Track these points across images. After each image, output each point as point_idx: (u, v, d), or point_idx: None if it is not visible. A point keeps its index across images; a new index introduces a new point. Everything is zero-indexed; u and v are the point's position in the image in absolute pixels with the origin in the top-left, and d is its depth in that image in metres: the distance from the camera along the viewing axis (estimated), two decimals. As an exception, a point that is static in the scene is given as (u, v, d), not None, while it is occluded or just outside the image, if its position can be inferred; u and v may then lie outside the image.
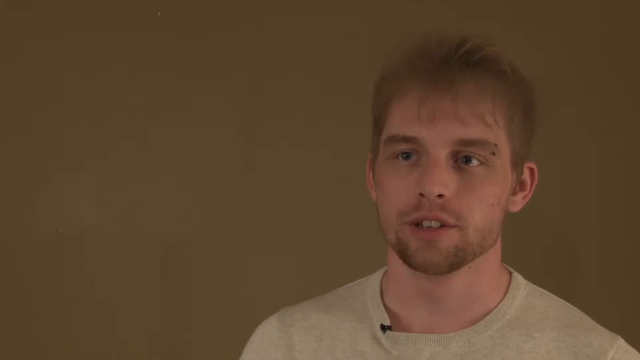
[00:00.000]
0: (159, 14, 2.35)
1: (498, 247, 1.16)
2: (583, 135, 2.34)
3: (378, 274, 1.24)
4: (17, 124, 2.34)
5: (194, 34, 2.35)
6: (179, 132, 2.35)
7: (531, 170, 1.18)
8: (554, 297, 1.20)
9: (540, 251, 2.32)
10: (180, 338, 2.37)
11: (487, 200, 1.09)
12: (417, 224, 1.09)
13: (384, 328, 1.17)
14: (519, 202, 1.17)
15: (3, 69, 2.34)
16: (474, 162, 1.09)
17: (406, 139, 1.09)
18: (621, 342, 1.14)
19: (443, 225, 1.08)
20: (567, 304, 1.20)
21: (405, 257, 1.10)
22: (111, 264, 2.34)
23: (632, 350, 1.14)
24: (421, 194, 1.08)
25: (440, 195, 1.07)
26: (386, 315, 1.18)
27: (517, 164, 1.14)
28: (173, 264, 2.36)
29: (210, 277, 2.35)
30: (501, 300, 1.17)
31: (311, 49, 2.35)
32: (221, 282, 2.35)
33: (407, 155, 1.10)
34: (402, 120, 1.10)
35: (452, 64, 1.10)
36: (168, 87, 2.35)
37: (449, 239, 1.08)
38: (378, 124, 1.15)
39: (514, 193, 1.16)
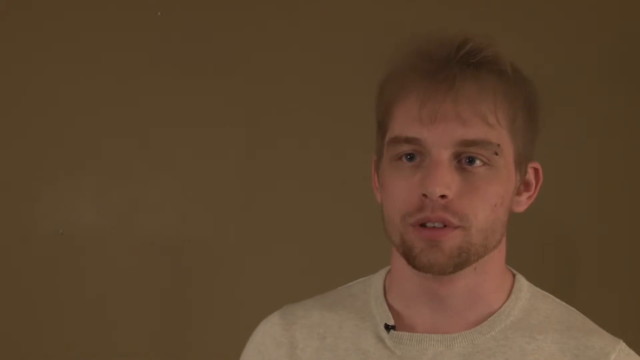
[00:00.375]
0: (159, 14, 2.35)
1: (502, 247, 1.16)
2: (583, 135, 2.34)
3: (381, 273, 1.24)
4: (17, 124, 2.34)
5: (194, 34, 2.35)
6: (178, 132, 2.35)
7: (535, 170, 1.18)
8: (557, 300, 1.20)
9: (541, 251, 2.32)
10: (180, 338, 2.37)
11: (490, 201, 1.09)
12: (421, 225, 1.09)
13: (388, 328, 1.17)
14: (523, 203, 1.17)
15: (3, 70, 2.34)
16: (477, 162, 1.09)
17: (408, 140, 1.09)
18: (623, 345, 1.14)
19: (446, 225, 1.08)
20: (570, 307, 1.20)
21: (409, 258, 1.11)
22: (111, 264, 2.34)
23: (633, 354, 1.15)
24: (424, 195, 1.08)
25: (443, 196, 1.07)
26: (390, 315, 1.18)
27: (520, 164, 1.13)
28: (173, 264, 2.36)
29: (210, 277, 2.35)
30: (505, 302, 1.17)
31: (311, 49, 2.35)
32: (221, 282, 2.35)
33: (410, 157, 1.10)
34: (404, 122, 1.10)
35: (453, 65, 1.10)
36: (168, 87, 2.35)
37: (452, 240, 1.08)
38: (381, 126, 1.15)
39: (518, 193, 1.15)
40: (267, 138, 2.36)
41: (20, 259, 2.34)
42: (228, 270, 2.35)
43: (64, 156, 2.34)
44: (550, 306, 1.19)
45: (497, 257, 1.16)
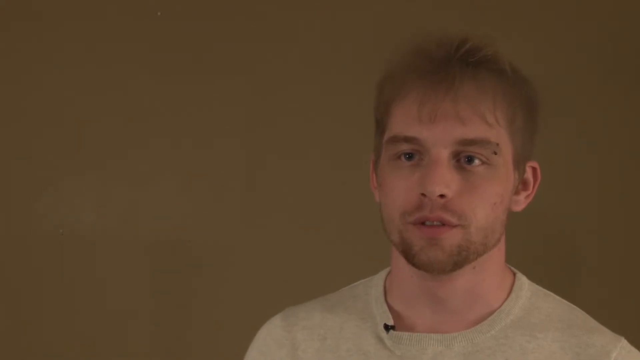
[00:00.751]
0: (159, 14, 2.35)
1: (502, 246, 1.16)
2: (583, 134, 2.34)
3: (382, 274, 1.24)
4: (17, 125, 2.34)
5: (194, 34, 2.35)
6: (178, 133, 2.35)
7: (534, 169, 1.18)
8: (558, 298, 1.21)
9: (541, 250, 2.32)
10: (180, 338, 2.37)
11: (489, 200, 1.09)
12: (421, 223, 1.09)
13: (387, 328, 1.17)
14: (521, 202, 1.17)
15: (4, 72, 2.34)
16: (476, 161, 1.09)
17: (407, 140, 1.09)
18: (624, 343, 1.14)
19: (445, 224, 1.08)
20: (571, 305, 1.20)
21: (409, 256, 1.11)
22: (111, 264, 2.34)
23: (635, 351, 1.15)
24: (423, 194, 1.08)
25: (442, 196, 1.07)
26: (389, 315, 1.18)
27: (519, 163, 1.14)
28: (173, 264, 2.36)
29: (211, 277, 2.35)
30: (505, 301, 1.17)
31: (311, 50, 2.35)
32: (221, 282, 2.35)
33: (409, 156, 1.10)
34: (403, 121, 1.10)
35: (452, 64, 1.10)
36: (168, 88, 2.35)
37: (452, 238, 1.09)
38: (380, 125, 1.15)
39: (516, 192, 1.16)
40: (267, 138, 2.36)
41: (20, 259, 2.34)
42: (228, 270, 2.35)
43: (64, 156, 2.34)
44: (552, 304, 1.19)
45: (497, 255, 1.16)
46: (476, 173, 1.09)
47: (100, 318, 2.34)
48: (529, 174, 1.17)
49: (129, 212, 2.36)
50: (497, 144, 1.09)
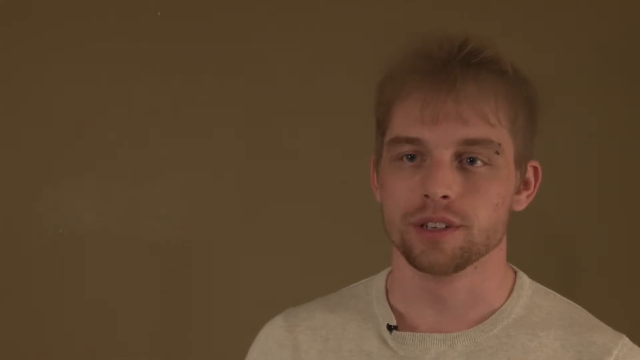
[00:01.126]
0: (158, 14, 2.35)
1: (503, 246, 1.16)
2: (583, 134, 2.34)
3: (383, 274, 1.24)
4: (18, 124, 2.34)
5: (194, 34, 2.35)
6: (178, 133, 2.35)
7: (535, 169, 1.19)
8: (559, 296, 1.21)
9: (541, 250, 2.32)
10: (180, 338, 2.37)
11: (491, 200, 1.10)
12: (422, 225, 1.09)
13: (390, 328, 1.17)
14: (523, 201, 1.17)
15: (4, 72, 2.34)
16: (478, 162, 1.09)
17: (409, 141, 1.10)
18: (626, 340, 1.15)
19: (448, 226, 1.09)
20: (573, 303, 1.20)
21: (410, 258, 1.11)
22: (111, 264, 2.34)
23: (636, 348, 1.15)
24: (426, 196, 1.08)
25: (444, 197, 1.07)
26: (392, 315, 1.18)
27: (520, 163, 1.14)
28: (173, 264, 2.36)
29: (210, 277, 2.35)
30: (506, 300, 1.17)
31: (311, 50, 2.35)
32: (221, 282, 2.35)
33: (411, 157, 1.10)
34: (405, 122, 1.10)
35: (454, 65, 1.10)
36: (168, 87, 2.35)
37: (454, 240, 1.09)
38: (381, 126, 1.15)
39: (518, 192, 1.16)
40: (267, 138, 2.36)
41: (20, 259, 2.34)
42: (228, 271, 2.35)
43: (64, 156, 2.34)
44: (552, 303, 1.19)
45: (498, 255, 1.16)
46: (478, 174, 1.09)
47: (100, 318, 2.34)
48: (530, 174, 1.18)
49: (129, 212, 2.36)
50: (499, 144, 1.10)
